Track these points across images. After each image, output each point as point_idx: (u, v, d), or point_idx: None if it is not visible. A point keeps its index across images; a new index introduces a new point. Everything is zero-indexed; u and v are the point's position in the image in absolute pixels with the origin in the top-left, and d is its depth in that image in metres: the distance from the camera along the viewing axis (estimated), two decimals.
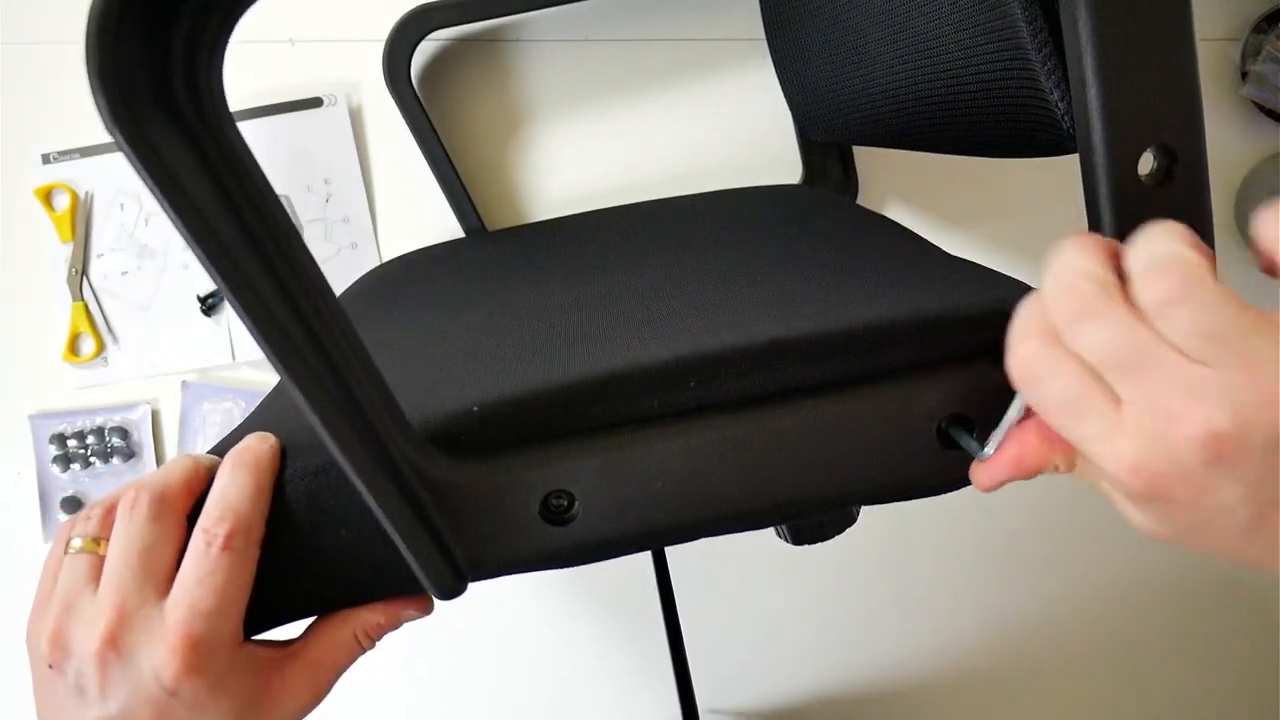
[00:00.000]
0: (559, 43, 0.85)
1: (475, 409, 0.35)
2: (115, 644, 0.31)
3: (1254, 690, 1.10)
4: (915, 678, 1.07)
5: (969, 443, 0.35)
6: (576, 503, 0.34)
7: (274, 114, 0.83)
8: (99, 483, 0.87)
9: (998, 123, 0.46)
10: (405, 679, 0.97)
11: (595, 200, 0.87)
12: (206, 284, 0.85)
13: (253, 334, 0.28)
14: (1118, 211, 0.33)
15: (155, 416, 0.87)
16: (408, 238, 0.86)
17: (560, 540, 0.34)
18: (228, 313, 0.85)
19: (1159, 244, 0.28)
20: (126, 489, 0.34)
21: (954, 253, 0.52)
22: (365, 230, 0.86)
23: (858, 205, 0.85)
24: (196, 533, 0.33)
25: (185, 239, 0.26)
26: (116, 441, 0.86)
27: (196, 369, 0.86)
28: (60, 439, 0.85)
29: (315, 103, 0.83)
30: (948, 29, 0.46)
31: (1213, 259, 0.28)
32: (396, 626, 0.37)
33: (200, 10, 0.25)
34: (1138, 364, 0.27)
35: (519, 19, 0.84)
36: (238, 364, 0.86)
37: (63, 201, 0.83)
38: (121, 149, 0.24)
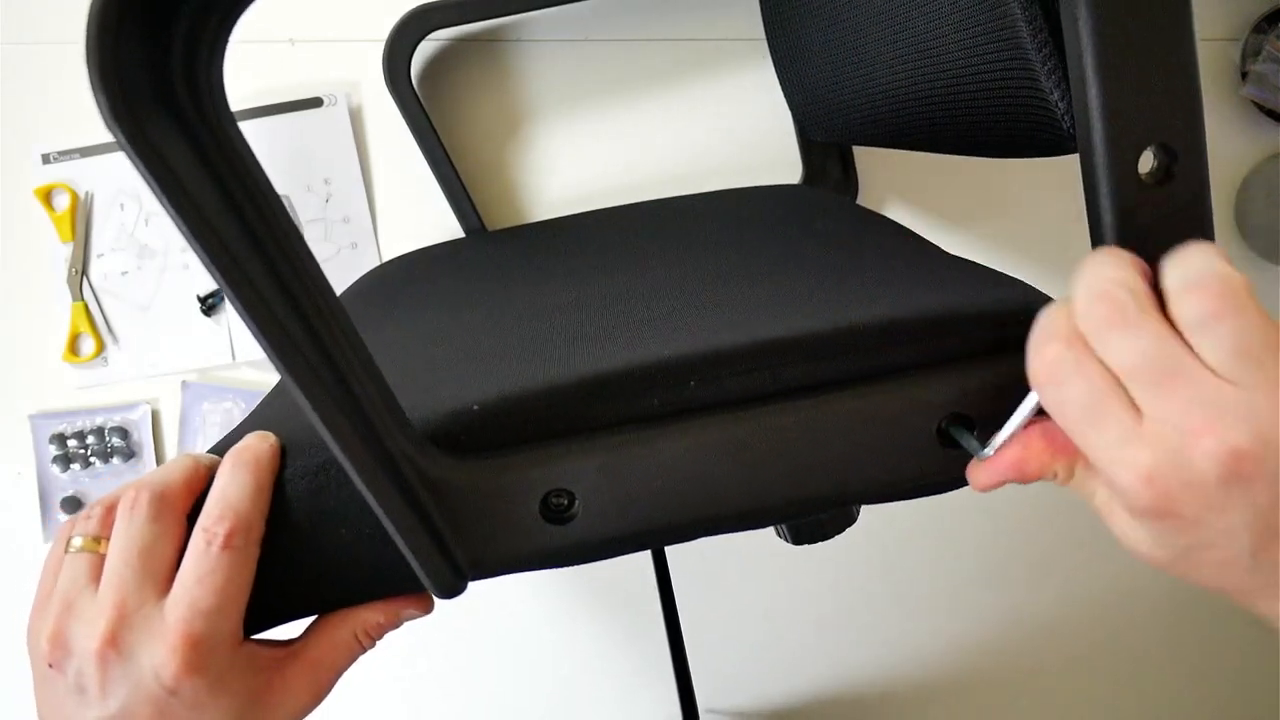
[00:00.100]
0: (559, 43, 0.85)
1: (475, 408, 0.35)
2: (115, 643, 0.31)
3: (1253, 692, 1.10)
4: (915, 678, 1.07)
5: (970, 442, 0.35)
6: (577, 502, 0.34)
7: (274, 114, 0.83)
8: (99, 483, 0.87)
9: (998, 123, 0.46)
10: (405, 679, 0.97)
11: (595, 200, 0.87)
12: (206, 284, 0.85)
13: (254, 333, 0.28)
14: (1118, 211, 0.33)
15: (155, 416, 0.87)
16: (408, 238, 0.86)
17: (560, 539, 0.34)
18: (228, 313, 0.85)
19: (1198, 260, 0.28)
20: (127, 488, 0.34)
21: (954, 253, 0.52)
22: (365, 230, 0.86)
23: (858, 205, 0.85)
24: (196, 532, 0.33)
25: (186, 238, 0.26)
26: (116, 441, 0.86)
27: (196, 369, 0.86)
28: (60, 439, 0.85)
29: (315, 103, 0.83)
30: (948, 29, 0.46)
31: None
32: (397, 626, 0.37)
33: (200, 10, 0.25)
34: (1166, 377, 0.27)
35: (519, 19, 0.84)
36: (238, 364, 0.86)
37: (63, 201, 0.82)
38: (122, 148, 0.24)
